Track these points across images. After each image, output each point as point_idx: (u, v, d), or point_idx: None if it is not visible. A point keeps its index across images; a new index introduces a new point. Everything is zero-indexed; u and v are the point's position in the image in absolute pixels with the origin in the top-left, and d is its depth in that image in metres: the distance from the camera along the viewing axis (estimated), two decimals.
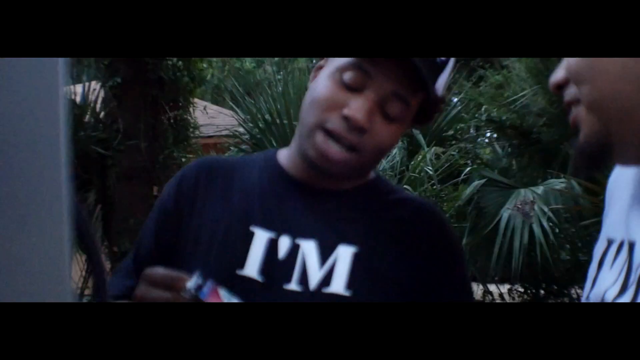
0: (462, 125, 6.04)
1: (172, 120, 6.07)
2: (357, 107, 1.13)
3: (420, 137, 5.64)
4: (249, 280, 1.16)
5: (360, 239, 1.19)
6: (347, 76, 1.15)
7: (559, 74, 0.85)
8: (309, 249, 1.17)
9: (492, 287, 5.82)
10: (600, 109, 0.78)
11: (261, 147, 5.67)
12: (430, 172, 5.09)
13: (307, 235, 1.18)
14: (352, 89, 1.15)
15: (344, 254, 1.17)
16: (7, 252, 0.44)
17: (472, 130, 5.82)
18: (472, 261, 5.23)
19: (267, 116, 5.71)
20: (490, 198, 5.11)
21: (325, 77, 1.18)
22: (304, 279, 1.16)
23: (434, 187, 5.12)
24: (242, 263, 1.17)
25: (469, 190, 5.04)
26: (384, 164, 5.43)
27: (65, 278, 0.46)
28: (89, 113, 6.00)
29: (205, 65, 7.63)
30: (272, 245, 1.18)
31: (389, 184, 1.34)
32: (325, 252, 1.17)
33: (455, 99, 6.13)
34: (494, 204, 5.07)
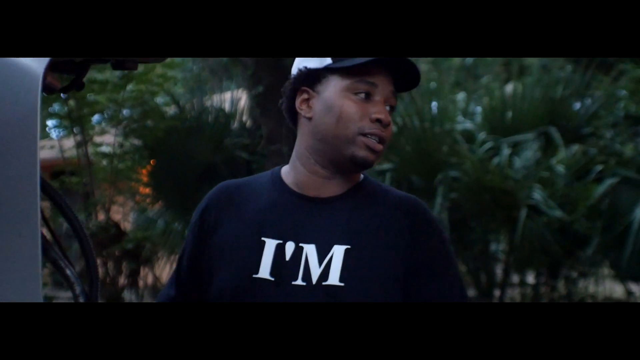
0: (601, 122, 5.89)
1: None
2: (379, 110, 1.49)
3: (557, 135, 5.57)
4: (263, 280, 1.47)
5: (351, 237, 1.49)
6: (360, 90, 1.49)
7: None
8: (310, 250, 1.48)
9: (635, 287, 5.65)
10: None
11: (394, 149, 5.84)
12: (561, 171, 5.03)
13: (308, 240, 1.50)
14: (366, 98, 1.49)
15: (338, 252, 1.47)
16: None
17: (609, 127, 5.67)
18: (605, 260, 5.13)
19: (398, 119, 5.89)
20: (625, 196, 4.99)
21: (339, 97, 1.50)
22: (307, 275, 1.47)
23: (566, 186, 5.06)
24: (257, 268, 1.49)
25: (601, 188, 4.94)
26: (518, 162, 5.41)
27: (35, 279, 0.50)
28: (235, 120, 6.40)
29: None
30: (280, 250, 1.50)
31: (376, 183, 1.62)
32: (323, 252, 1.48)
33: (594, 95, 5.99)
34: (629, 202, 4.94)
